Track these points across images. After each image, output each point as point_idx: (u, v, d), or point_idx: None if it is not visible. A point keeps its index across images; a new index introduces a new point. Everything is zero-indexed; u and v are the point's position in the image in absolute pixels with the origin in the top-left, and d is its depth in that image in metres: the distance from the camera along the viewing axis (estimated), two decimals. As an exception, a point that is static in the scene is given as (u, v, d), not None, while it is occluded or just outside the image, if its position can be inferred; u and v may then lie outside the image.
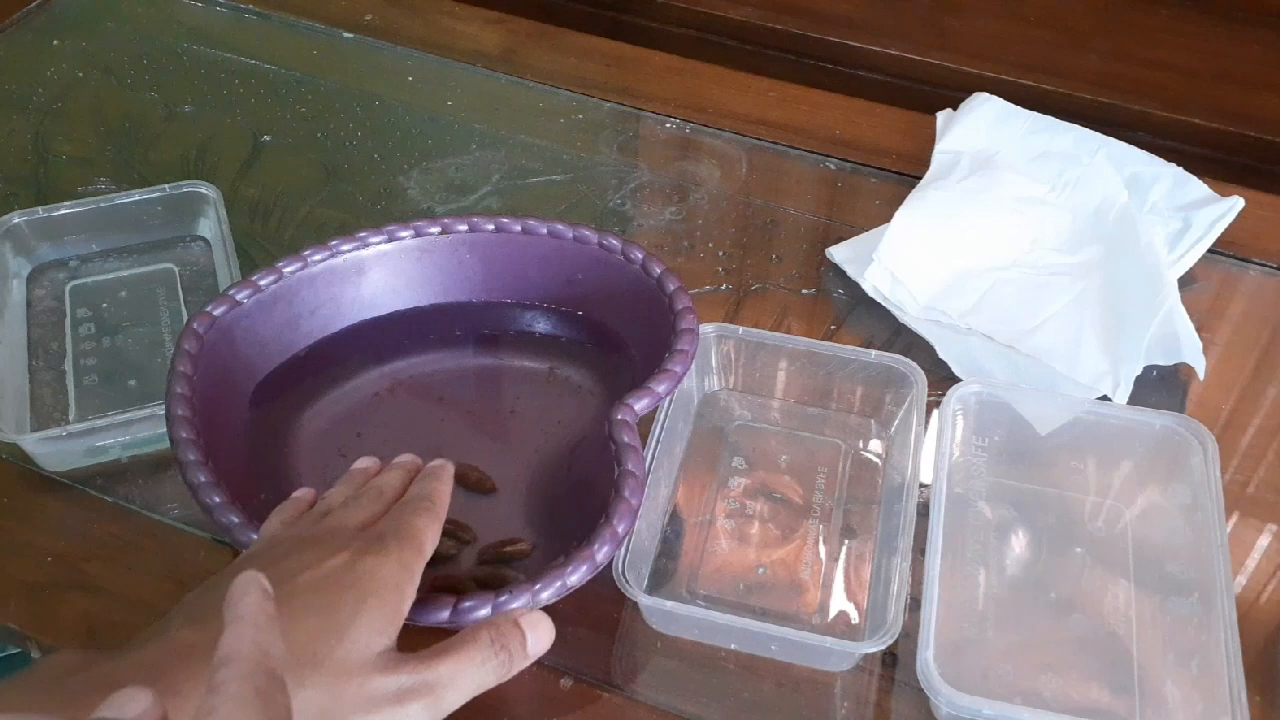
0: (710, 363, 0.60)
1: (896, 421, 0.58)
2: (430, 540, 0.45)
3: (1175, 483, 0.54)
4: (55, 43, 0.87)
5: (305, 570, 0.41)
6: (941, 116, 0.77)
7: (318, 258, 0.59)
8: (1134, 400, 0.60)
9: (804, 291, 0.68)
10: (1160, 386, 0.62)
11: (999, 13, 1.07)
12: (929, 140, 0.76)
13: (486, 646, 0.42)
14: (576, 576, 0.45)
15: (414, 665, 0.40)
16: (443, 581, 0.50)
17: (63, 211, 0.67)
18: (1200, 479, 0.53)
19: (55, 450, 0.56)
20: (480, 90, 0.84)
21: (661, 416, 0.54)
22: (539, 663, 0.49)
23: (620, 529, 0.46)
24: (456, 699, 0.41)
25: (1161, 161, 0.72)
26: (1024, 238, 0.69)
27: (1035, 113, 0.76)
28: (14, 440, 0.54)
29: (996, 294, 0.66)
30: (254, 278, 0.57)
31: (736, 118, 0.81)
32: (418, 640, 0.42)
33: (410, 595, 0.42)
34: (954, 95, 0.79)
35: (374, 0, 0.91)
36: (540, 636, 0.44)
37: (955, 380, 0.58)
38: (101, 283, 0.67)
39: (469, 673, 0.41)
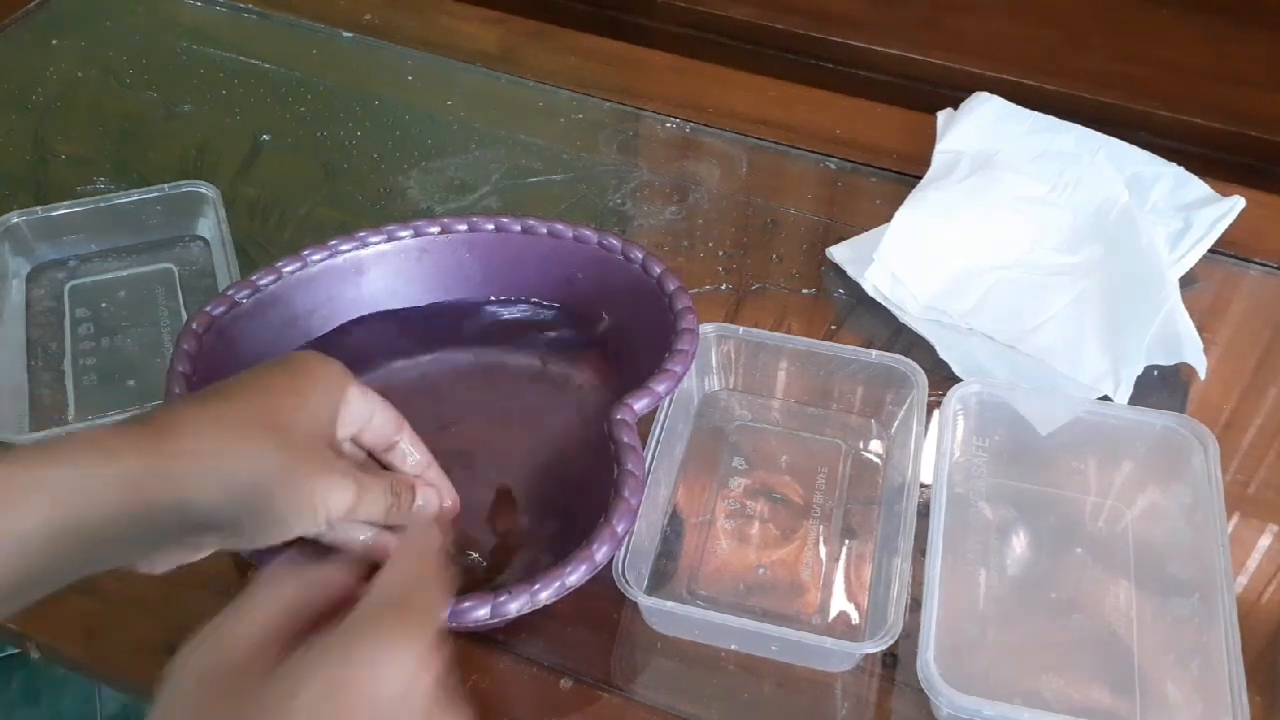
0: (710, 363, 0.60)
1: (897, 421, 0.58)
2: None
3: (1176, 483, 0.54)
4: (55, 43, 0.87)
5: None
6: (942, 116, 0.77)
7: (317, 258, 0.59)
8: (1135, 400, 0.60)
9: (804, 291, 0.68)
10: (1161, 386, 0.62)
11: (999, 13, 1.07)
12: (929, 140, 0.75)
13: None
14: (576, 576, 0.45)
15: None
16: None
17: (62, 211, 0.67)
18: (1201, 479, 0.53)
19: (54, 450, 0.56)
20: (480, 90, 0.84)
21: (661, 416, 0.54)
22: (539, 663, 0.49)
23: (620, 529, 0.46)
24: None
25: (1162, 161, 0.72)
26: (1024, 237, 0.69)
27: (1036, 112, 0.76)
28: (13, 440, 0.54)
29: (997, 294, 0.66)
30: (253, 278, 0.57)
31: (737, 117, 0.81)
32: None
33: None
34: (954, 95, 0.79)
35: (374, 0, 0.91)
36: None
37: (956, 380, 0.58)
38: (100, 283, 0.66)
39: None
